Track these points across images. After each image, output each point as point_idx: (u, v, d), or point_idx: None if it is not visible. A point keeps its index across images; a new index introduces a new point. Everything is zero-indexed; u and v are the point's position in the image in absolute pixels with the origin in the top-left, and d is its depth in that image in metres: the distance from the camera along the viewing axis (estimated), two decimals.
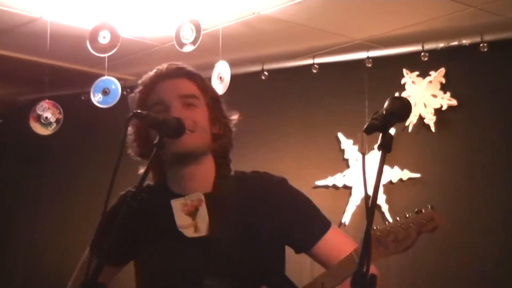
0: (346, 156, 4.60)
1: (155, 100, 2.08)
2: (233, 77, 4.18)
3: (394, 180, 4.37)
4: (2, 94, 5.66)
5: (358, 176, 4.50)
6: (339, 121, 4.65)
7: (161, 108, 2.05)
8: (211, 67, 4.20)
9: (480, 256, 4.07)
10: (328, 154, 4.67)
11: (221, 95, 2.22)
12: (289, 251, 2.15)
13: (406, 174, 4.36)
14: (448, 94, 4.30)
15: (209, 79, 4.07)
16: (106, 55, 4.08)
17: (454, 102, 4.28)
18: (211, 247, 2.01)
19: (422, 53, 4.29)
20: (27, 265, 5.53)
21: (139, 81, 2.16)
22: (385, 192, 4.37)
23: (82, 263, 2.21)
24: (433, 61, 4.30)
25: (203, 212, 2.04)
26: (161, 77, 2.11)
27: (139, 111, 1.97)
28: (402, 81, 4.42)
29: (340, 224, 4.45)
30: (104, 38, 4.02)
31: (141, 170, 2.13)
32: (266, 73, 4.78)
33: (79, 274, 2.19)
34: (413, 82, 4.40)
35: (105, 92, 4.37)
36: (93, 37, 4.02)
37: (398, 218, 1.93)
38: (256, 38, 4.47)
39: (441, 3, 3.85)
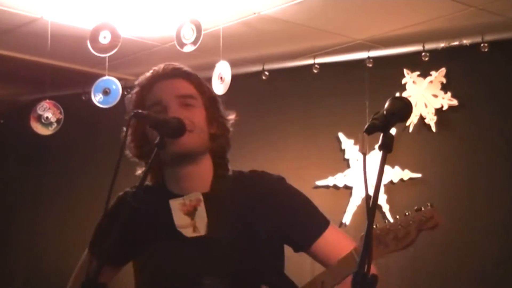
0: (346, 156, 4.59)
1: (153, 101, 2.08)
2: (234, 77, 4.18)
3: (395, 180, 4.37)
4: (3, 94, 5.66)
5: (358, 176, 4.50)
6: (339, 121, 4.65)
7: (159, 108, 2.05)
8: (211, 67, 4.21)
9: (480, 256, 4.07)
10: (329, 154, 4.67)
11: (218, 95, 2.22)
12: (289, 250, 2.15)
13: (407, 174, 4.36)
14: (449, 94, 4.30)
15: (210, 79, 4.07)
16: (107, 55, 4.08)
17: (454, 102, 4.28)
18: (210, 246, 2.01)
19: (423, 53, 4.29)
20: (27, 265, 5.53)
21: (136, 82, 2.16)
22: (386, 192, 4.36)
23: (81, 263, 2.21)
24: (434, 61, 4.30)
25: (201, 211, 2.04)
26: (158, 77, 2.11)
27: (140, 111, 1.97)
28: (403, 81, 4.42)
29: (341, 224, 4.44)
30: (104, 38, 4.02)
31: (139, 171, 2.14)
32: (266, 73, 4.77)
33: (79, 274, 2.20)
34: (414, 82, 4.40)
35: (105, 92, 4.37)
36: (94, 37, 4.02)
37: (397, 217, 1.93)
38: (256, 38, 4.47)
39: (442, 3, 3.85)
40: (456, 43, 4.21)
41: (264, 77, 4.78)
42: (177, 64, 2.16)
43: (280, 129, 4.87)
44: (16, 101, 5.61)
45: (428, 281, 4.20)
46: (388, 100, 1.67)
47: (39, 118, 4.51)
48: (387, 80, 4.49)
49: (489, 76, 4.24)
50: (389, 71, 4.48)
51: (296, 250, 2.14)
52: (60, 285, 2.28)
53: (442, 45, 4.25)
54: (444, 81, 4.33)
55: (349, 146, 4.58)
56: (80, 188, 5.37)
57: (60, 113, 4.50)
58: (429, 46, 4.28)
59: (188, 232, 2.04)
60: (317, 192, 4.53)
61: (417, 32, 4.23)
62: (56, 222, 5.45)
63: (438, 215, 1.88)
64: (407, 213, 1.91)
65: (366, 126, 1.60)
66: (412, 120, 4.33)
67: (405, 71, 4.41)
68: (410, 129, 4.35)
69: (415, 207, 1.90)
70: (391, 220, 1.94)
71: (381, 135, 1.60)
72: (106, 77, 4.38)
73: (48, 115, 4.50)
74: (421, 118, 4.35)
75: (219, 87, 4.08)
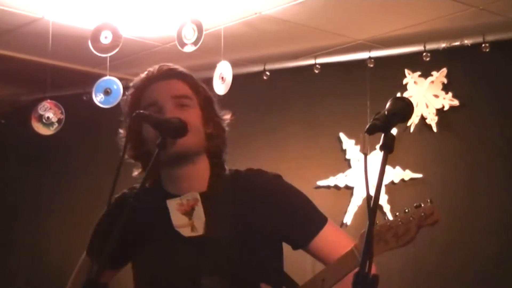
0: (347, 156, 4.60)
1: (148, 101, 2.08)
2: (235, 77, 4.18)
3: (396, 181, 4.37)
4: (4, 94, 5.66)
5: (360, 176, 4.50)
6: (341, 121, 4.65)
7: (155, 109, 2.04)
8: (213, 67, 4.20)
9: (481, 256, 4.07)
10: (330, 154, 4.67)
11: (214, 95, 2.22)
12: (289, 248, 2.15)
13: (408, 174, 4.36)
14: (450, 94, 4.30)
15: (211, 79, 4.07)
16: (108, 55, 4.08)
17: (456, 102, 4.28)
18: (208, 246, 2.01)
19: (424, 53, 4.29)
20: (29, 265, 5.53)
21: (131, 84, 2.16)
22: (387, 192, 4.36)
23: (81, 263, 2.21)
24: (435, 61, 4.30)
25: (199, 211, 2.04)
26: (153, 79, 2.11)
27: (141, 111, 1.97)
28: (404, 81, 4.42)
29: (342, 224, 4.44)
30: (106, 38, 4.02)
31: (135, 173, 2.14)
32: (268, 73, 4.78)
33: (77, 276, 2.20)
34: (415, 82, 4.40)
35: (106, 92, 4.38)
36: (95, 37, 4.02)
37: (397, 213, 1.93)
38: (258, 38, 4.47)
39: (443, 3, 3.85)
40: (457, 43, 4.21)
41: (265, 77, 4.78)
42: (172, 65, 2.16)
43: (281, 129, 4.87)
44: (17, 101, 5.61)
45: (429, 281, 4.21)
46: (389, 100, 1.67)
47: (40, 118, 4.51)
48: (388, 80, 4.49)
49: (490, 76, 4.24)
50: (390, 71, 4.48)
51: (295, 247, 2.13)
52: (61, 284, 2.29)
53: (443, 45, 4.25)
54: (445, 81, 4.33)
55: (350, 146, 4.58)
56: (81, 188, 5.38)
57: (61, 113, 4.50)
58: (430, 46, 4.28)
59: (186, 232, 2.04)
60: (318, 192, 4.53)
61: (418, 32, 4.23)
62: (57, 222, 5.45)
63: (438, 211, 1.89)
64: (406, 210, 1.91)
65: (367, 127, 1.60)
66: (413, 121, 4.33)
67: (406, 71, 4.41)
68: (411, 130, 4.35)
69: (415, 204, 1.90)
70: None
71: (382, 135, 1.60)
72: (107, 77, 4.38)
73: (49, 115, 4.50)
74: (422, 118, 4.35)
75: (220, 87, 4.08)
